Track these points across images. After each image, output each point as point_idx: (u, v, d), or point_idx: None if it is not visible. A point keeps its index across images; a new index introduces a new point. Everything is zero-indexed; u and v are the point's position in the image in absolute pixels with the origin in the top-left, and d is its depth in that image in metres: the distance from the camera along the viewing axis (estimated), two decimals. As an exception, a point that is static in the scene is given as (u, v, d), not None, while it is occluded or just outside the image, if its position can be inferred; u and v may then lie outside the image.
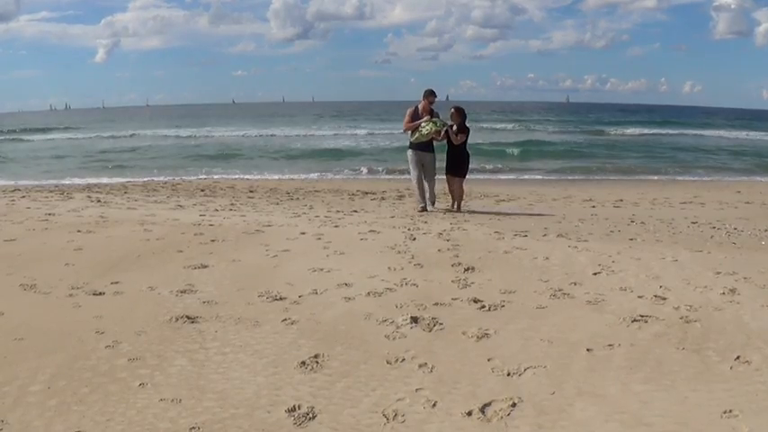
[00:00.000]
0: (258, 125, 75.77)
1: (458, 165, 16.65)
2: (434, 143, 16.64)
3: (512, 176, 29.98)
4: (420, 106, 16.36)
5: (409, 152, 16.67)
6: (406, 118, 16.35)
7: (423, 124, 16.05)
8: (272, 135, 62.36)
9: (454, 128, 16.44)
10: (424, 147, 16.38)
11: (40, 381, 5.55)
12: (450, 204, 17.23)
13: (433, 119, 16.18)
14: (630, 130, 66.62)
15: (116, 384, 5.51)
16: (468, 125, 16.79)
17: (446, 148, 16.75)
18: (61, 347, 6.27)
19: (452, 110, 16.56)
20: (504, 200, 19.53)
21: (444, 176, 16.99)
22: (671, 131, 66.64)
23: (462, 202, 17.31)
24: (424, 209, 16.43)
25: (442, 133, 16.33)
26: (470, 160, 17.33)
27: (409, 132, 16.51)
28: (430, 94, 16.37)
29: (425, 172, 16.51)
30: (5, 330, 6.74)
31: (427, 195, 16.62)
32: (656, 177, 29.71)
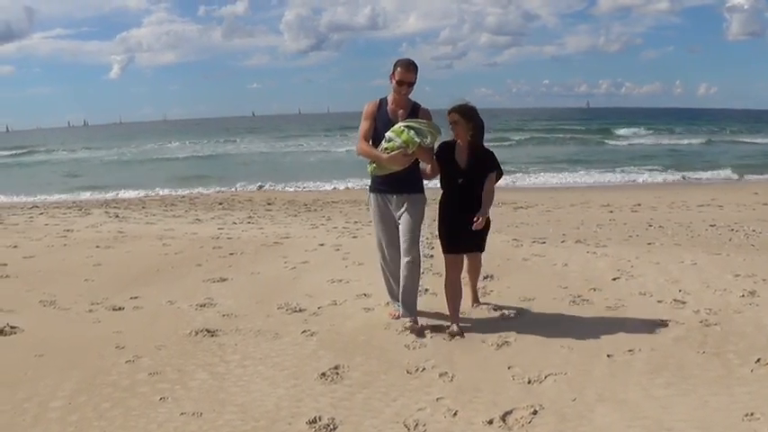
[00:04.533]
0: (285, 138, 75.40)
1: (468, 227, 6.99)
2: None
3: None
4: (389, 99, 7.32)
5: (371, 198, 7.55)
6: (362, 126, 7.37)
7: (389, 135, 7.03)
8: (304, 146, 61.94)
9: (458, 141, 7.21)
10: (397, 182, 7.26)
11: (61, 396, 5.56)
12: (451, 330, 7.34)
13: (413, 122, 7.07)
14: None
15: (137, 399, 5.52)
16: (488, 149, 7.36)
17: (450, 186, 7.25)
18: (81, 363, 6.29)
19: (451, 113, 7.11)
20: (521, 207, 19.45)
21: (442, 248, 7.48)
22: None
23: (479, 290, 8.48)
24: (413, 323, 7.21)
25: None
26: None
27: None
28: (404, 70, 7.13)
29: (401, 234, 7.32)
30: (26, 347, 6.77)
31: (401, 286, 7.34)
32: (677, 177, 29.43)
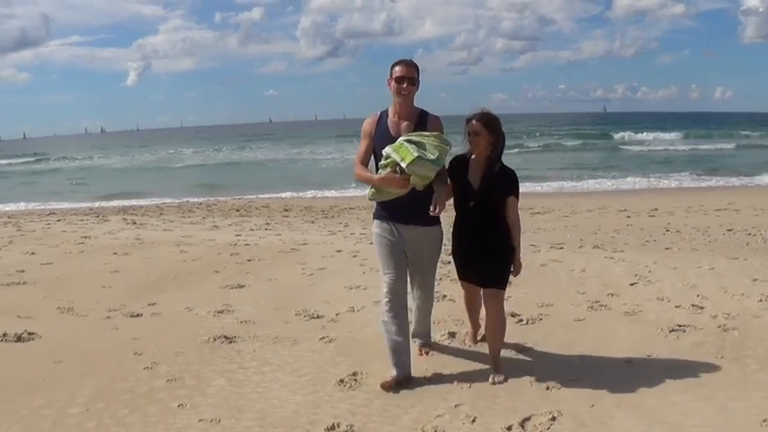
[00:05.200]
0: (302, 144, 75.26)
1: (487, 253, 6.11)
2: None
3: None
4: (390, 111, 6.16)
5: (374, 225, 6.29)
6: (359, 147, 6.25)
7: (386, 151, 5.79)
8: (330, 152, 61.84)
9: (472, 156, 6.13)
10: (406, 210, 6.01)
11: (79, 403, 5.58)
12: (468, 337, 7.08)
13: (416, 135, 5.83)
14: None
15: (155, 406, 5.53)
16: (509, 168, 6.16)
17: (460, 209, 6.25)
18: (99, 369, 6.32)
19: (473, 122, 5.99)
20: (538, 212, 19.41)
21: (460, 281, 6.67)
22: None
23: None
24: (397, 380, 5.92)
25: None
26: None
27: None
28: (402, 67, 6.05)
29: (411, 271, 6.31)
30: (44, 353, 6.80)
31: (411, 328, 6.49)
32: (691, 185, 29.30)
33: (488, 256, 6.04)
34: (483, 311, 6.49)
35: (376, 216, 6.23)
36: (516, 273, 6.08)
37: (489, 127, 5.90)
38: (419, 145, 5.64)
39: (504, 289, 6.11)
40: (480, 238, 6.02)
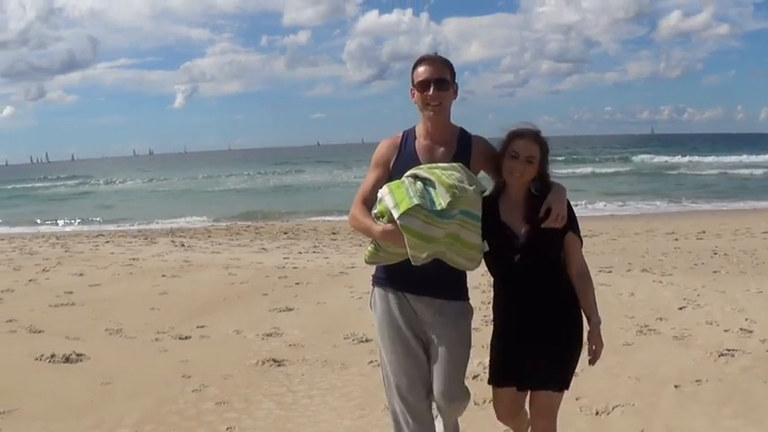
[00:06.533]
0: (349, 167, 75.09)
1: (547, 331, 3.99)
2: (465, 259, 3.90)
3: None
4: (417, 130, 4.14)
5: (374, 296, 4.26)
6: (367, 180, 4.15)
7: (381, 192, 3.84)
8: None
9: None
10: (423, 276, 3.87)
11: (127, 425, 5.55)
12: None
13: (427, 169, 3.82)
14: None
15: (203, 428, 5.49)
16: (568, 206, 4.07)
17: (500, 270, 4.07)
18: (148, 391, 6.29)
19: (523, 141, 3.89)
20: (586, 235, 19.20)
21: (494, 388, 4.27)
22: None
23: None
24: None
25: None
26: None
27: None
28: (426, 65, 4.02)
29: (431, 361, 4.10)
30: (92, 374, 6.78)
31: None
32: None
33: (548, 337, 3.97)
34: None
35: (376, 281, 4.21)
36: (595, 358, 4.09)
37: (544, 154, 3.94)
38: (426, 184, 3.75)
39: (567, 389, 4.07)
40: (536, 308, 3.96)
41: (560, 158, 64.81)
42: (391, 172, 4.03)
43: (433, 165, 3.84)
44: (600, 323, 4.09)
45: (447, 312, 4.01)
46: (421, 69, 4.01)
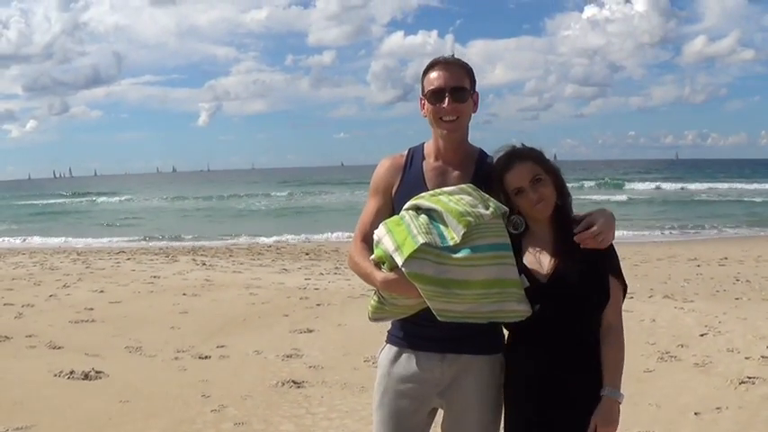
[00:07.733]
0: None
1: (571, 395, 3.15)
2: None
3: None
4: (426, 148, 3.39)
5: (381, 356, 3.54)
6: (366, 210, 3.47)
7: (377, 232, 3.10)
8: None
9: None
10: (440, 323, 2.95)
11: (146, 444, 5.50)
12: None
13: (432, 197, 3.08)
14: None
15: (221, 449, 5.43)
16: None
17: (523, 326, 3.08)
18: (167, 410, 6.24)
19: (517, 165, 3.11)
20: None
21: None
22: None
23: None
24: None
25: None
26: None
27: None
28: (440, 70, 3.25)
29: None
30: (111, 392, 6.75)
31: None
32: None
33: (572, 401, 3.16)
34: None
35: (389, 337, 3.49)
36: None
37: (545, 163, 3.17)
38: (432, 216, 3.02)
39: None
40: (562, 364, 3.13)
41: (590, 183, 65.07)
42: (394, 199, 3.32)
43: (437, 191, 3.11)
44: (619, 401, 3.29)
45: (471, 370, 3.18)
46: (434, 75, 3.25)
